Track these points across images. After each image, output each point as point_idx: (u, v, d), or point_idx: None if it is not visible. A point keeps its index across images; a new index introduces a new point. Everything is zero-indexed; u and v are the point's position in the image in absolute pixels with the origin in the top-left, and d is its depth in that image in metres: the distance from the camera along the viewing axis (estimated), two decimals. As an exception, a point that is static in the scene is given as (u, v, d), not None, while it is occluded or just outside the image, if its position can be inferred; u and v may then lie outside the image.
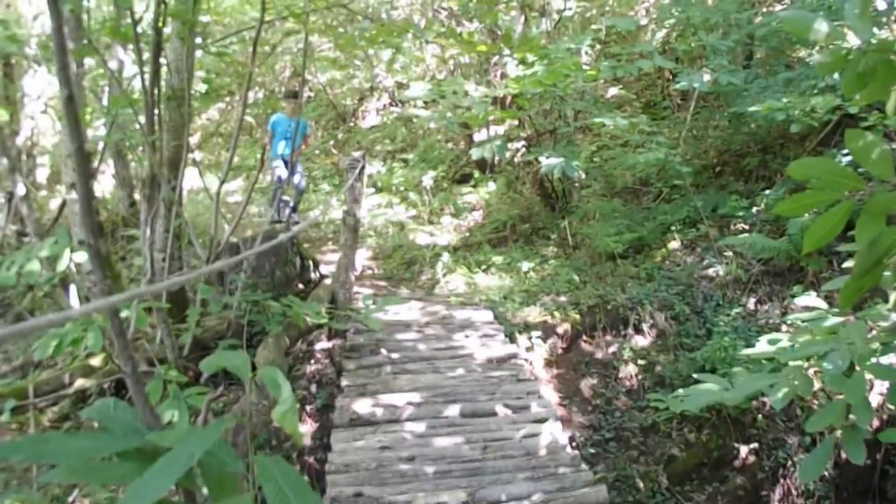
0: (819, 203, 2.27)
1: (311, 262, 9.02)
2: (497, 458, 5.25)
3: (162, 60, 6.08)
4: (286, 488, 1.67)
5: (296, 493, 1.65)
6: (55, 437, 1.71)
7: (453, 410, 5.93)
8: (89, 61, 9.21)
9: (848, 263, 4.90)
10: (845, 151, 7.80)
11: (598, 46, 11.13)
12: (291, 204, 10.69)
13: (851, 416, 3.11)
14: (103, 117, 7.49)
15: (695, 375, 3.48)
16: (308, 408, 6.63)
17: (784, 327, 7.34)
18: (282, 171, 10.42)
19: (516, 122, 11.76)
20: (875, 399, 6.27)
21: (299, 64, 16.25)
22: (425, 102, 12.77)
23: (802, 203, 2.33)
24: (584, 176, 11.36)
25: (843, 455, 3.12)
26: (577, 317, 8.22)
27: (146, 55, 5.90)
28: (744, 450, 6.83)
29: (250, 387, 1.96)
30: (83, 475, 1.68)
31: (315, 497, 1.68)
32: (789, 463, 6.65)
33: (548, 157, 9.03)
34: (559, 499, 4.89)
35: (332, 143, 17.78)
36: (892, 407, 6.32)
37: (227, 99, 17.64)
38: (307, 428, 6.44)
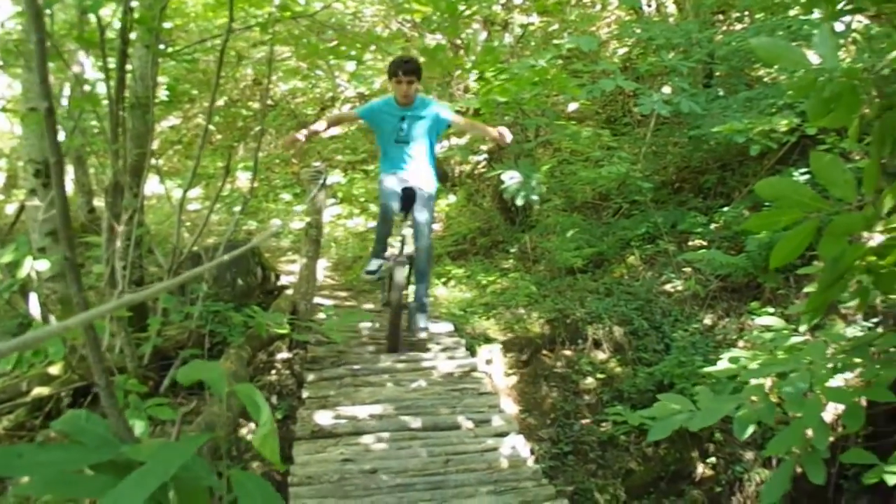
0: (786, 222, 2.34)
1: (272, 273, 8.97)
2: (460, 472, 5.25)
3: (127, 67, 6.03)
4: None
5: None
6: (28, 450, 1.70)
7: (415, 423, 5.92)
8: (49, 65, 9.10)
9: (808, 288, 4.99)
10: (803, 170, 7.94)
11: (559, 62, 11.21)
12: (419, 299, 7.41)
13: (809, 435, 3.17)
14: (62, 123, 7.40)
15: (659, 397, 3.49)
16: (269, 419, 6.57)
17: (741, 343, 7.43)
18: (391, 199, 7.06)
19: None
20: (829, 415, 6.36)
21: (262, 72, 16.22)
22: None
23: (770, 221, 2.41)
24: (544, 190, 11.44)
25: (799, 469, 3.17)
26: (537, 330, 8.26)
27: (111, 61, 5.84)
28: (701, 464, 6.91)
29: (225, 400, 1.96)
30: (57, 488, 1.67)
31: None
32: (746, 477, 6.73)
33: (511, 178, 9.04)
34: (521, 512, 4.91)
35: (292, 152, 17.71)
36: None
37: (188, 106, 17.52)
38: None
